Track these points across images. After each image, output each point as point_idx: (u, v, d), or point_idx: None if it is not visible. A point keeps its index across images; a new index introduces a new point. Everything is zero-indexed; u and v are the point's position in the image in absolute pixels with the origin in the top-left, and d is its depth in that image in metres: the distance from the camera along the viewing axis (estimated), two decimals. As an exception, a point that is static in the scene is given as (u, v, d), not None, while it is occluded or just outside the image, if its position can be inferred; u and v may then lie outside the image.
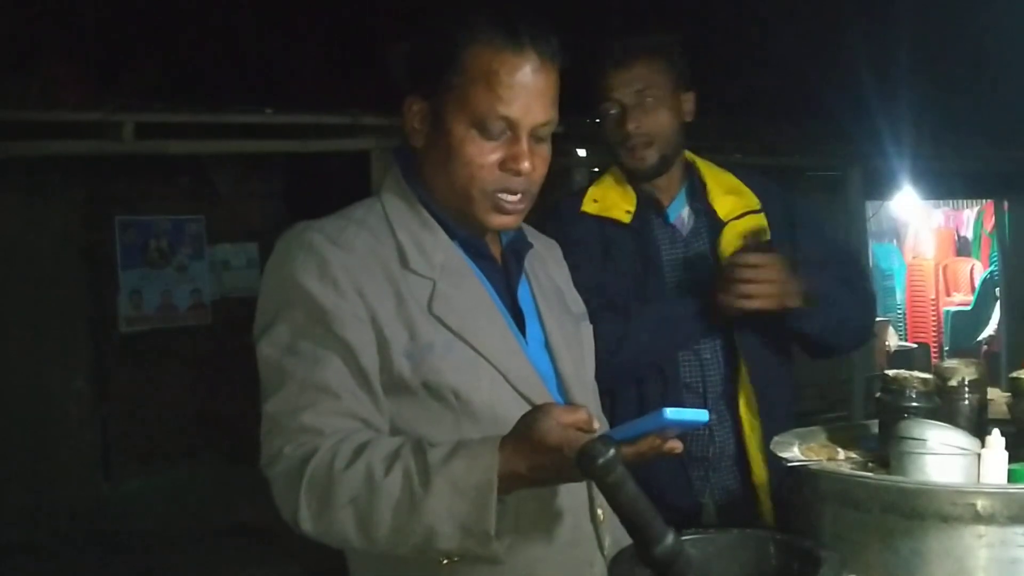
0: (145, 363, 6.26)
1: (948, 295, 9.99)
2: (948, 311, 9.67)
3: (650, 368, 2.02)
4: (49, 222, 5.75)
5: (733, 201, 2.10)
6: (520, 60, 1.43)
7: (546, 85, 1.45)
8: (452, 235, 1.52)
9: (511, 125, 1.43)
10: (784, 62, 5.64)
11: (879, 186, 7.42)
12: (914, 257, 10.22)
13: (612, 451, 1.12)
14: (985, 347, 8.94)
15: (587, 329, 1.70)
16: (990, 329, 9.01)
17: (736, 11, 5.36)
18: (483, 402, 1.44)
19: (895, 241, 10.33)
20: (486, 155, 1.44)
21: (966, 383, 1.62)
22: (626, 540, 1.43)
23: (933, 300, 9.92)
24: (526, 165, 1.44)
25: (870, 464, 1.57)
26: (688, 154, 2.16)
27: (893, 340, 9.04)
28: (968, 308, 9.48)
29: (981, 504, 1.34)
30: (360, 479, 1.28)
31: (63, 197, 5.82)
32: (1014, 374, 1.66)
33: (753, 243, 2.02)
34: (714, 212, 2.09)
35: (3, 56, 3.80)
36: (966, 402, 1.61)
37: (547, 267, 1.69)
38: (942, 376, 1.63)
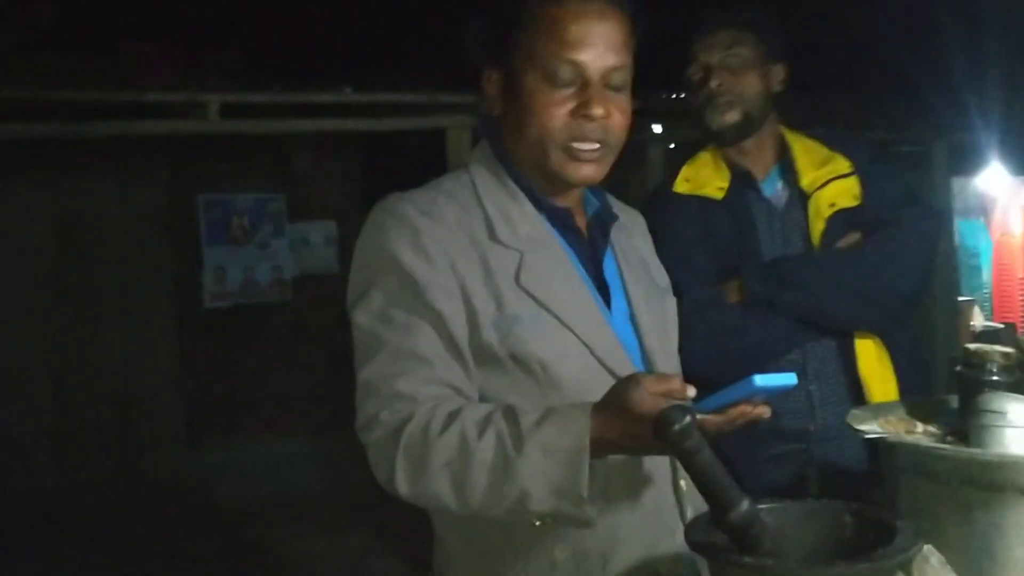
0: (228, 338, 6.42)
1: (1036, 274, 9.72)
2: (1036, 290, 9.42)
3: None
4: (135, 201, 5.92)
5: (817, 170, 2.09)
6: (582, 5, 1.45)
7: (612, 29, 1.47)
8: (539, 207, 1.54)
9: (580, 70, 1.45)
10: (867, 35, 5.53)
11: (965, 161, 7.21)
12: (1002, 234, 9.96)
13: (688, 418, 1.13)
14: (1075, 326, 8.69)
15: (671, 302, 1.70)
16: (1080, 309, 8.75)
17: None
18: (568, 374, 1.46)
19: (982, 218, 10.07)
20: (557, 104, 1.46)
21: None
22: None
23: (1021, 279, 9.66)
24: (598, 110, 1.45)
25: (948, 437, 1.55)
26: (782, 128, 2.15)
27: (979, 320, 8.82)
28: (1057, 287, 9.23)
29: (1060, 477, 1.33)
30: (455, 443, 1.32)
31: (147, 176, 5.98)
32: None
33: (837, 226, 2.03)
34: (803, 184, 2.09)
35: (90, 38, 3.92)
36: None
37: (633, 239, 1.69)
38: (1023, 350, 1.60)
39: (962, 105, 5.81)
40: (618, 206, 1.69)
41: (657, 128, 5.49)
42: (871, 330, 2.07)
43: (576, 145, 1.46)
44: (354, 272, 1.52)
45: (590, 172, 1.50)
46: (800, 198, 2.08)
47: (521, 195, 1.53)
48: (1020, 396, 1.43)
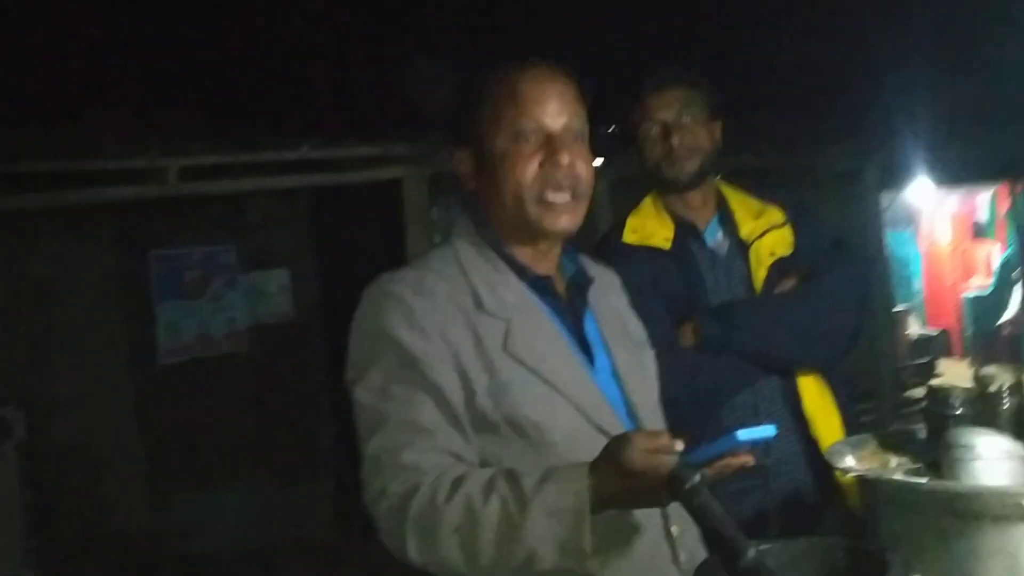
0: (185, 392, 6.38)
1: (966, 280, 10.05)
2: (968, 296, 9.73)
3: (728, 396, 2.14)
4: (85, 262, 5.89)
5: (754, 221, 2.24)
6: (534, 73, 1.61)
7: (564, 88, 1.62)
8: (521, 276, 1.64)
9: (541, 126, 1.59)
10: (795, 59, 5.73)
11: (894, 176, 7.50)
12: (931, 244, 10.28)
13: (698, 476, 1.24)
14: (1006, 330, 9.00)
15: (649, 355, 1.82)
16: (1010, 312, 9.07)
17: (745, 8, 5.45)
18: (560, 434, 1.56)
19: (911, 229, 10.39)
20: (527, 159, 1.59)
21: (1005, 388, 1.74)
22: (699, 555, 1.57)
23: (952, 285, 9.98)
24: (564, 158, 1.58)
25: (922, 469, 1.68)
26: (717, 181, 2.29)
27: (914, 328, 9.12)
28: (987, 292, 9.54)
29: (1030, 504, 1.46)
30: (461, 510, 1.41)
31: (96, 237, 5.95)
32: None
33: (775, 272, 2.17)
34: (742, 234, 2.23)
35: (49, 108, 3.94)
36: (1006, 406, 1.73)
37: (608, 297, 1.81)
38: (982, 383, 1.74)
39: (890, 124, 6.06)
40: (592, 267, 1.81)
41: (597, 161, 5.64)
42: (814, 367, 2.22)
43: (550, 197, 1.59)
44: (352, 351, 1.62)
45: (566, 222, 1.62)
46: (740, 247, 2.23)
47: (504, 266, 1.64)
48: (986, 429, 1.57)
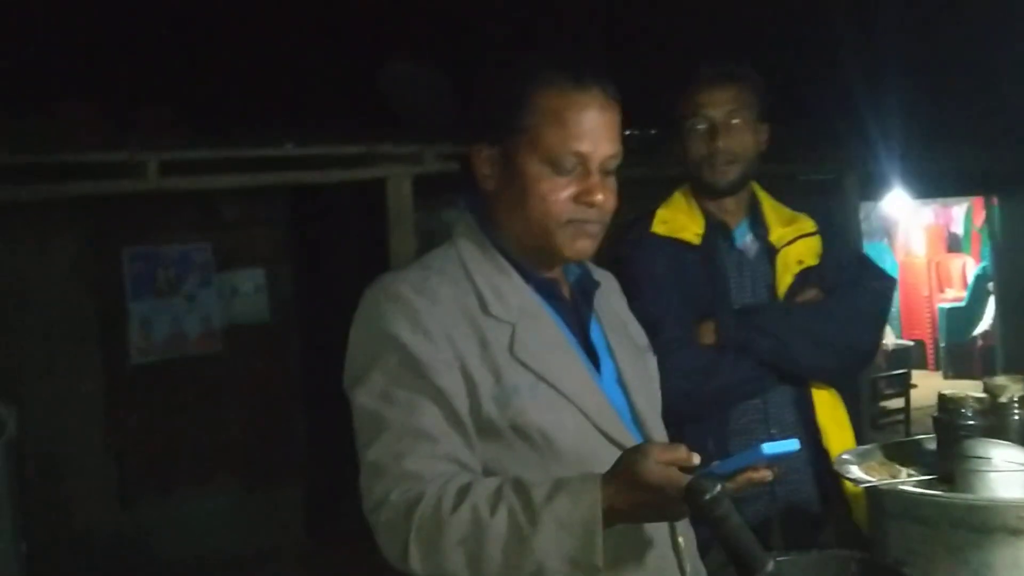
0: (157, 393, 6.28)
1: (941, 291, 10.13)
2: (942, 307, 9.80)
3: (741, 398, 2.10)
4: (58, 258, 5.78)
5: (784, 227, 2.20)
6: (587, 98, 1.52)
7: (612, 120, 1.55)
8: (526, 279, 1.59)
9: (582, 160, 1.52)
10: (775, 68, 5.72)
11: (871, 187, 7.54)
12: (906, 255, 10.36)
13: (719, 487, 1.20)
14: (980, 342, 9.07)
15: (652, 361, 1.77)
16: (984, 324, 9.14)
17: (725, 18, 5.45)
18: (567, 441, 1.51)
19: (886, 240, 10.47)
20: (560, 190, 1.52)
21: (1015, 399, 1.71)
22: (699, 564, 1.52)
23: (927, 297, 10.05)
24: (599, 197, 1.53)
25: (933, 481, 1.65)
26: (753, 184, 2.26)
27: (890, 339, 9.16)
28: (962, 304, 9.62)
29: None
30: (467, 521, 1.35)
31: (70, 232, 5.84)
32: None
33: (800, 281, 2.14)
34: (771, 239, 2.19)
35: (21, 99, 3.84)
36: (1016, 417, 1.70)
37: (611, 301, 1.76)
38: (993, 393, 1.71)
39: (869, 134, 6.08)
40: (595, 271, 1.75)
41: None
42: (832, 379, 2.19)
43: (577, 229, 1.54)
44: (352, 353, 1.55)
45: (586, 250, 1.58)
46: (768, 252, 2.19)
47: (509, 268, 1.59)
48: (1001, 441, 1.54)
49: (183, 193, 5.64)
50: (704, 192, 2.20)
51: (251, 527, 5.93)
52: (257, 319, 6.48)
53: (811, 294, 2.17)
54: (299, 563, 5.62)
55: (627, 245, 2.12)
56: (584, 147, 1.51)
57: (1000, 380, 1.71)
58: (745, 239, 2.22)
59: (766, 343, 2.09)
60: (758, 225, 2.22)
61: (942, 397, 1.68)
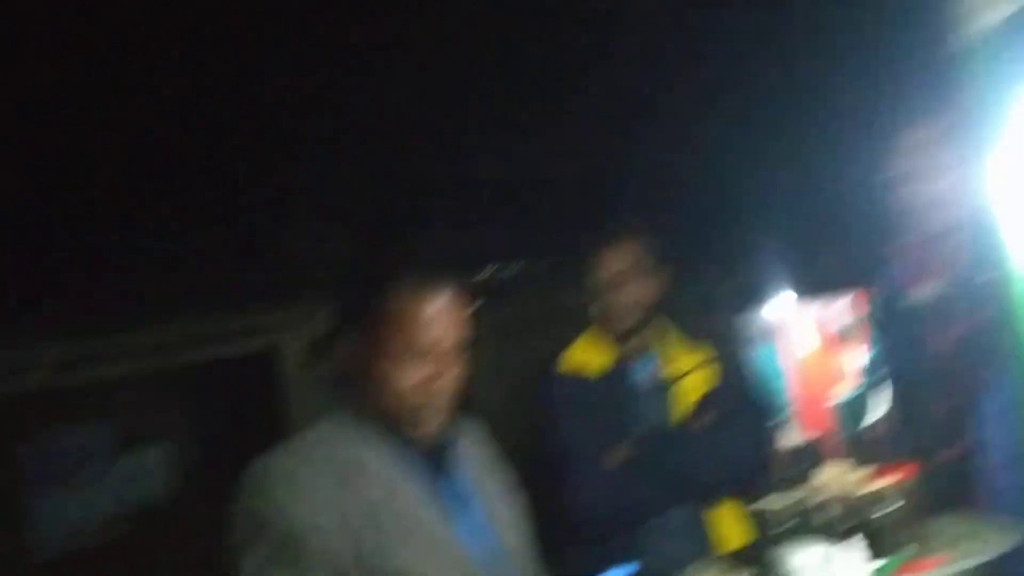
0: (67, 586, 6.08)
1: (834, 385, 10.40)
2: (837, 401, 10.05)
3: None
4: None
5: (684, 359, 2.43)
6: (437, 295, 1.72)
7: (460, 311, 1.74)
8: (391, 447, 1.74)
9: (436, 346, 1.70)
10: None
11: (749, 296, 7.83)
12: (795, 355, 10.65)
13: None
14: (871, 433, 9.31)
15: (519, 499, 1.92)
16: (876, 413, 9.42)
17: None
18: None
19: (772, 343, 10.75)
20: (417, 374, 1.71)
21: (827, 494, 1.88)
22: None
23: (820, 392, 10.31)
24: (451, 374, 1.72)
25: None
26: (658, 318, 2.48)
27: (790, 438, 9.36)
28: (854, 395, 9.90)
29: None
30: None
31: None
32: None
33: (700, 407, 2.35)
34: (670, 370, 2.41)
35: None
36: (829, 513, 1.87)
37: (476, 448, 1.92)
38: (804, 498, 1.89)
39: (745, 244, 6.34)
40: (461, 422, 1.92)
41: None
42: (730, 494, 2.37)
43: (432, 405, 1.72)
44: (233, 535, 1.66)
45: (438, 420, 1.80)
46: (666, 383, 2.40)
47: (374, 440, 1.75)
48: (807, 541, 1.71)
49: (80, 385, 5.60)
50: (607, 336, 2.41)
51: None
52: (162, 498, 6.38)
53: (708, 419, 2.37)
54: None
55: (539, 383, 2.32)
56: (439, 338, 1.72)
57: (819, 479, 1.88)
58: (648, 370, 2.43)
59: (667, 466, 2.26)
60: (659, 358, 2.43)
61: (753, 512, 1.85)
